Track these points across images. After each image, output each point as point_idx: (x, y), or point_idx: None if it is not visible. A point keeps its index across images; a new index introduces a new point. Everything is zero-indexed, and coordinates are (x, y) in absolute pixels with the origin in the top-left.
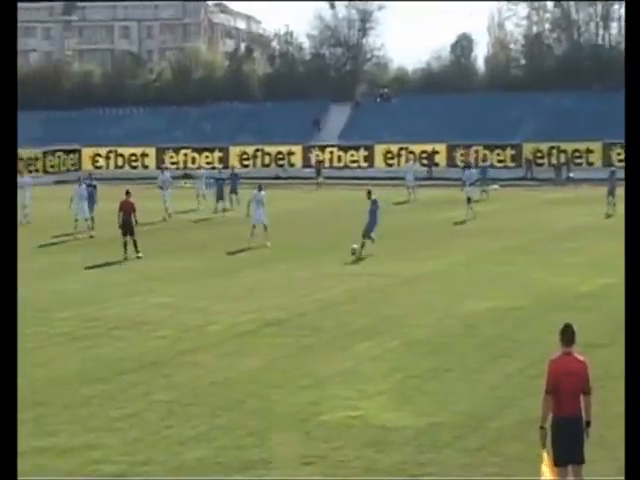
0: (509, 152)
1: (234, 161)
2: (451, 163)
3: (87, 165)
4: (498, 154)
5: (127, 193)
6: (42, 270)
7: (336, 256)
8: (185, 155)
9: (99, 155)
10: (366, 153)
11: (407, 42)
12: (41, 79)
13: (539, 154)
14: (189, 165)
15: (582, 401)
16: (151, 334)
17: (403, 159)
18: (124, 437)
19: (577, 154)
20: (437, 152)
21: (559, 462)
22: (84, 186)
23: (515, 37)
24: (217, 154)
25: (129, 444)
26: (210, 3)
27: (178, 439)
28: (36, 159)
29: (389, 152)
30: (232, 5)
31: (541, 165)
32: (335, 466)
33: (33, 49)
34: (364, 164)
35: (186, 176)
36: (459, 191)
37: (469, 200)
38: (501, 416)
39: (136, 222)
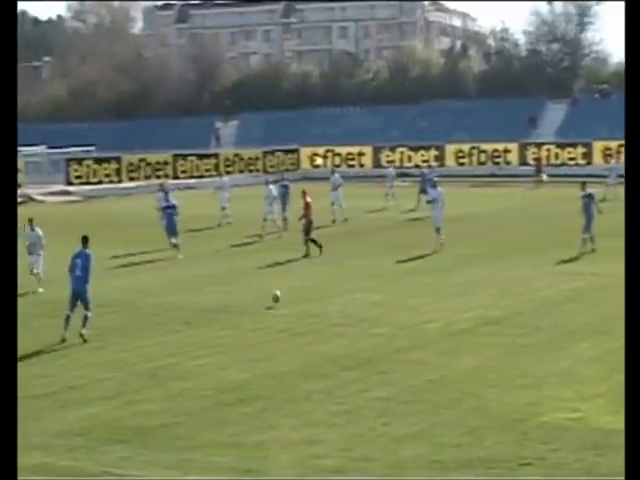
0: None
1: (450, 159)
2: None
3: (305, 164)
4: None
5: (303, 192)
6: (263, 268)
7: (555, 254)
8: (401, 153)
9: (317, 154)
10: (584, 150)
11: None
12: (261, 81)
13: None
14: (405, 163)
15: None
16: (368, 331)
17: (623, 156)
18: (342, 433)
19: None
20: None
21: None
22: (273, 187)
23: None
24: (433, 152)
25: (347, 440)
26: (426, 2)
27: (395, 436)
28: (257, 159)
29: (608, 149)
30: (448, 3)
31: None
32: (554, 468)
33: (254, 51)
34: (582, 161)
35: (402, 174)
36: None
37: None
38: None
39: (309, 221)
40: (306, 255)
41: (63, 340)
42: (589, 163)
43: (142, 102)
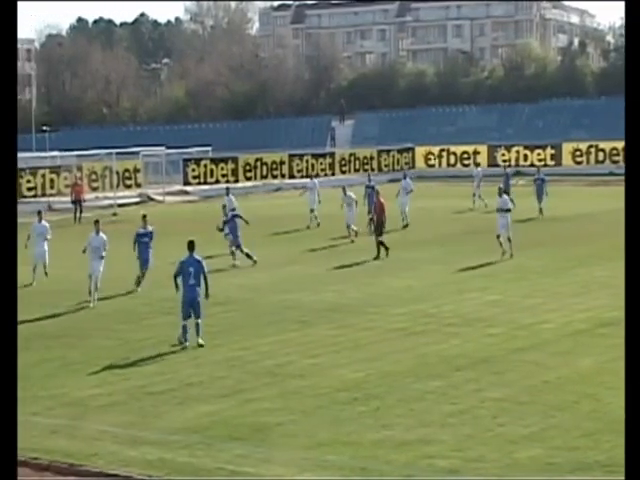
0: None
1: (567, 158)
2: None
3: (420, 163)
4: None
5: (377, 193)
6: (377, 267)
7: None
8: (517, 152)
9: (432, 153)
10: None
11: None
12: (376, 80)
13: None
14: (521, 162)
15: None
16: (483, 331)
17: None
18: (457, 433)
19: None
20: None
21: None
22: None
23: None
24: (549, 151)
25: (461, 440)
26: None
27: (510, 437)
28: (371, 158)
29: None
30: (566, 1)
31: None
32: None
33: (369, 51)
34: None
35: (518, 173)
36: None
37: None
38: None
39: (380, 222)
40: (376, 257)
41: (184, 348)
42: None
43: (258, 102)
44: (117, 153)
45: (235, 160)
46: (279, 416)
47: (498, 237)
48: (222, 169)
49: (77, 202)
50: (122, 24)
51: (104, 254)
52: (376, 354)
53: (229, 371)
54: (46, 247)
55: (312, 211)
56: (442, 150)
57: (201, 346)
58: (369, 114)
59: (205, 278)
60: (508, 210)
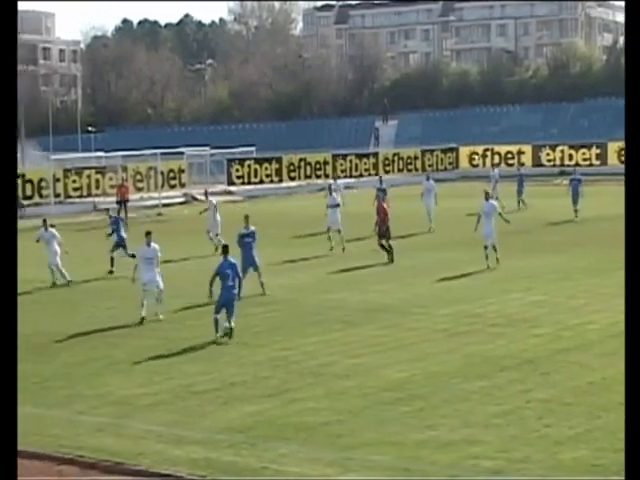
0: None
1: (612, 157)
2: None
3: (464, 163)
4: None
5: (377, 197)
6: (419, 268)
7: None
8: (561, 152)
9: (476, 153)
10: None
11: None
12: (420, 80)
13: None
14: (566, 162)
15: None
16: (528, 332)
17: None
18: (501, 434)
19: None
20: None
21: None
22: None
23: None
24: (594, 151)
25: (506, 441)
26: None
27: (556, 438)
28: (415, 158)
29: None
30: None
31: None
32: None
33: (412, 50)
34: None
35: (562, 173)
36: None
37: None
38: None
39: (384, 227)
40: (390, 261)
41: (215, 341)
42: None
43: (302, 102)
44: (162, 153)
45: (279, 160)
46: (323, 416)
47: (486, 248)
48: (266, 169)
49: (122, 202)
50: (167, 25)
51: (157, 269)
52: (420, 354)
53: (273, 371)
54: (57, 252)
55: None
56: (486, 150)
57: (231, 330)
58: (412, 114)
59: (239, 280)
60: (488, 216)
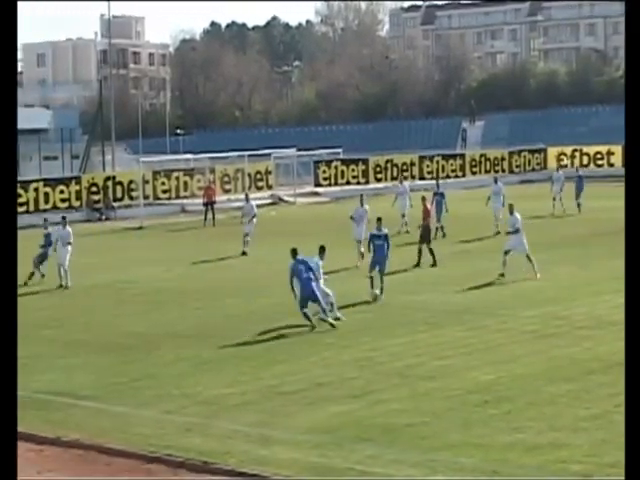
0: None
1: None
2: None
3: (552, 164)
4: None
5: (423, 199)
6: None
7: None
8: None
9: (564, 154)
10: None
11: None
12: (507, 80)
13: None
14: None
15: None
16: (617, 335)
17: None
18: (590, 438)
19: None
20: None
21: None
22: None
23: None
24: None
25: (596, 445)
26: None
27: None
28: (502, 159)
29: None
30: None
31: None
32: None
33: (500, 51)
34: None
35: None
36: None
37: None
38: None
39: (427, 229)
40: (417, 265)
41: (313, 327)
42: None
43: (388, 104)
44: (249, 155)
45: (365, 162)
46: (409, 417)
47: (506, 253)
48: (353, 170)
49: (209, 204)
50: (254, 27)
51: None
52: (507, 356)
53: (359, 372)
54: (68, 251)
55: (403, 216)
56: (575, 150)
57: (337, 319)
58: (500, 115)
59: (315, 274)
60: (516, 231)
